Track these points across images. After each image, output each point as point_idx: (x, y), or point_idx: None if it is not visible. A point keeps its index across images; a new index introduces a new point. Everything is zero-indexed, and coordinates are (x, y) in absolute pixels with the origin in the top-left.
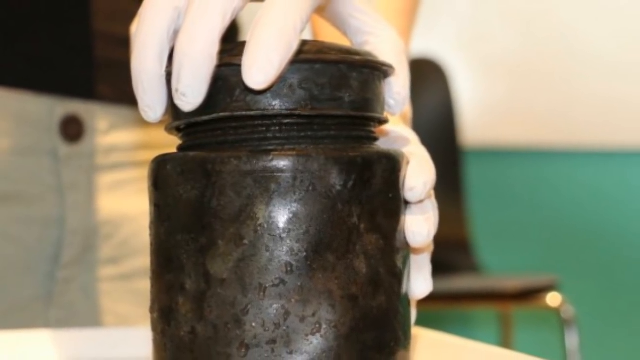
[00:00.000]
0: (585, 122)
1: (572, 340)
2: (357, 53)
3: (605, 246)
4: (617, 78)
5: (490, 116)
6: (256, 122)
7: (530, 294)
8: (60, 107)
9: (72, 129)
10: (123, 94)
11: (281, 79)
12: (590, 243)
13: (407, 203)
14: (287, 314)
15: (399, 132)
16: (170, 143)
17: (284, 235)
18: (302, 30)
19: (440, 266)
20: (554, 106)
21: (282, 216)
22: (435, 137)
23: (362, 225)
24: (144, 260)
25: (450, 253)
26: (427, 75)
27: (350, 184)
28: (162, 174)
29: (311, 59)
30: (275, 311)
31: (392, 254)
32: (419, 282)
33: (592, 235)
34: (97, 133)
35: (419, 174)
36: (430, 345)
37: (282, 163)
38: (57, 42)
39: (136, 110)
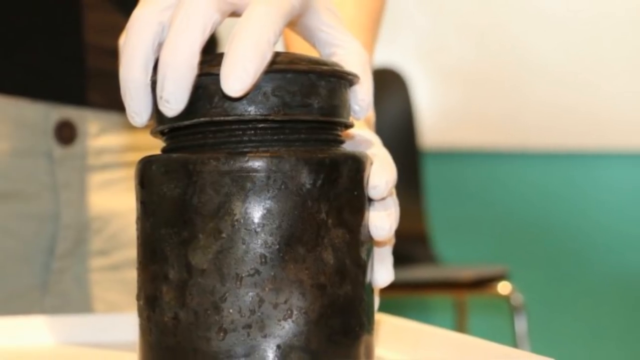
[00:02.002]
0: (534, 126)
1: (521, 325)
2: (325, 63)
3: (551, 239)
4: (563, 86)
5: (446, 121)
6: (233, 127)
7: (483, 283)
8: (54, 113)
9: (66, 133)
10: (112, 101)
11: (256, 87)
12: (538, 236)
13: (370, 200)
14: (261, 301)
15: (363, 135)
16: (155, 145)
17: (258, 230)
18: (275, 43)
19: (401, 257)
20: (505, 112)
21: (257, 212)
22: (396, 139)
23: (330, 221)
24: (131, 252)
25: (410, 245)
26: (389, 84)
27: (319, 182)
28: (147, 173)
29: (283, 69)
30: (250, 299)
31: (357, 246)
32: (382, 272)
33: (539, 229)
34: (88, 136)
35: (381, 173)
36: (392, 330)
37: (257, 164)
38: (52, 53)
39: (124, 115)
